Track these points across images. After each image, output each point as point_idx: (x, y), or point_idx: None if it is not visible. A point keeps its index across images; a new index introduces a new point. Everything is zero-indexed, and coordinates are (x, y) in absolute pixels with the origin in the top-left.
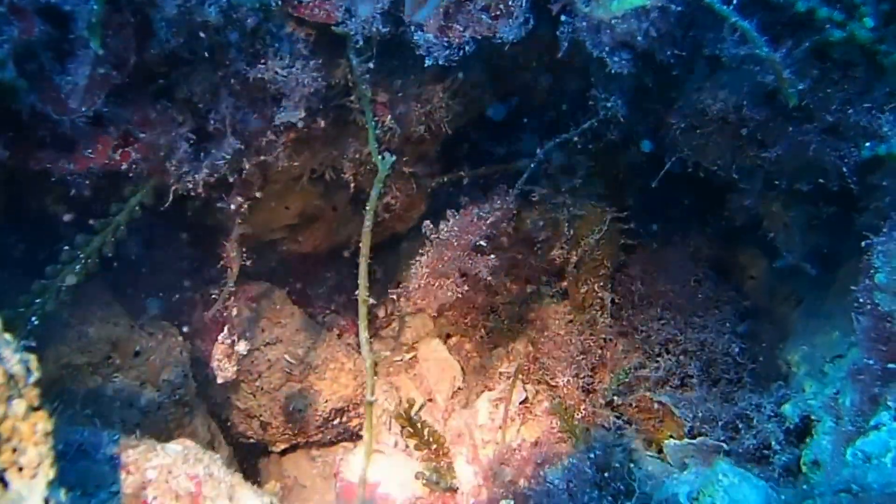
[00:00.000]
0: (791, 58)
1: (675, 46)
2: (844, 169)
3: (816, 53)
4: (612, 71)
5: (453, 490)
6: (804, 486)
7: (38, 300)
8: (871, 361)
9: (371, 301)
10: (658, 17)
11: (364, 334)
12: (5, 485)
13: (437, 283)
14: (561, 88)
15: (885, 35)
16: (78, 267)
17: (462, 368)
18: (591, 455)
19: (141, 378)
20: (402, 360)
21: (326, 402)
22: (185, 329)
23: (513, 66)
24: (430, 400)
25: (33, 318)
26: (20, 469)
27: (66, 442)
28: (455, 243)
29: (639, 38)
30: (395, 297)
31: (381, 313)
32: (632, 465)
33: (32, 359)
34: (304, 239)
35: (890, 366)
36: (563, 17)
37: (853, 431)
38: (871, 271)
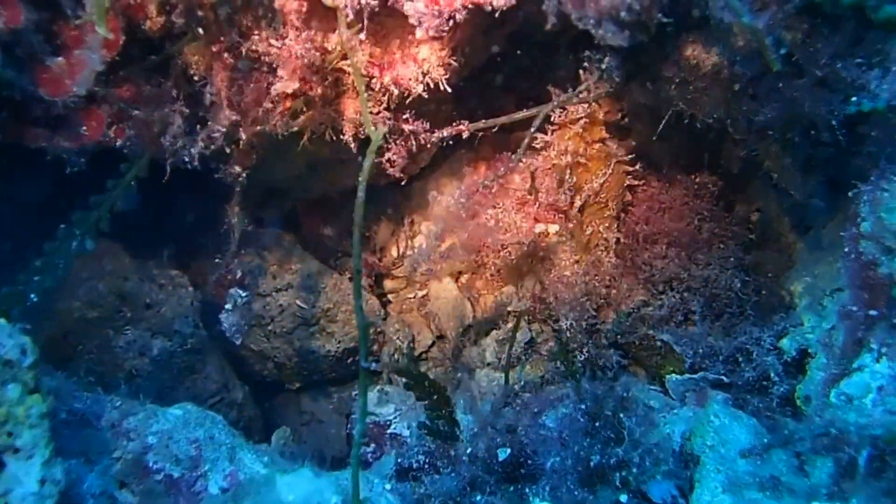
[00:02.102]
0: (779, 15)
1: (663, 12)
2: (834, 122)
3: (807, 7)
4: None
5: (454, 438)
6: (786, 430)
7: (36, 277)
8: (855, 308)
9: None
10: None
11: (358, 301)
12: (2, 466)
13: (447, 253)
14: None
15: None
16: (75, 243)
17: (472, 306)
18: (583, 405)
19: (152, 329)
20: (414, 297)
21: (339, 343)
22: (196, 279)
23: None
24: (440, 337)
25: (32, 296)
26: (16, 451)
27: (70, 410)
28: (463, 215)
29: (622, 11)
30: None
31: (394, 252)
32: (622, 414)
33: (28, 341)
34: (313, 186)
35: (872, 312)
36: None
37: (838, 373)
38: (858, 219)
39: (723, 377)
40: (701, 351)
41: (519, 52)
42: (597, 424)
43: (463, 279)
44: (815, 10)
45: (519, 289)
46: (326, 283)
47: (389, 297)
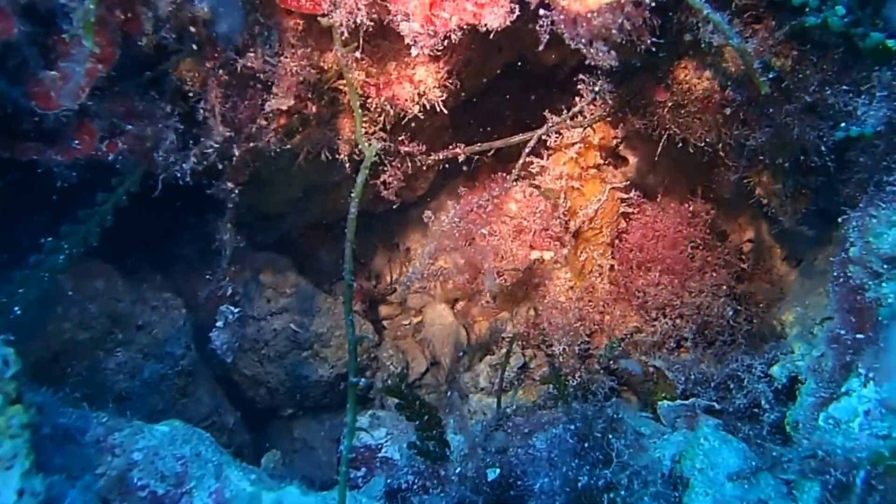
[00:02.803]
0: (769, 41)
1: (653, 35)
2: (823, 147)
3: (796, 35)
4: (593, 63)
5: (444, 459)
6: (774, 453)
7: (21, 290)
8: (843, 332)
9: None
10: (632, 10)
11: (348, 317)
12: None
13: (440, 272)
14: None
15: (860, 18)
16: (62, 257)
17: (467, 332)
18: (573, 426)
19: (144, 351)
20: (409, 324)
21: (332, 368)
22: (189, 300)
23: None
24: (434, 363)
25: (16, 308)
26: None
27: (54, 425)
28: (456, 234)
29: (614, 30)
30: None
31: (389, 278)
32: (611, 436)
33: (11, 352)
34: (309, 210)
35: (860, 336)
36: (541, 11)
37: (827, 397)
38: (847, 244)
39: (714, 404)
40: (693, 377)
41: (517, 83)
42: (586, 445)
43: (458, 306)
44: (803, 38)
45: (514, 315)
46: (321, 307)
47: (384, 323)
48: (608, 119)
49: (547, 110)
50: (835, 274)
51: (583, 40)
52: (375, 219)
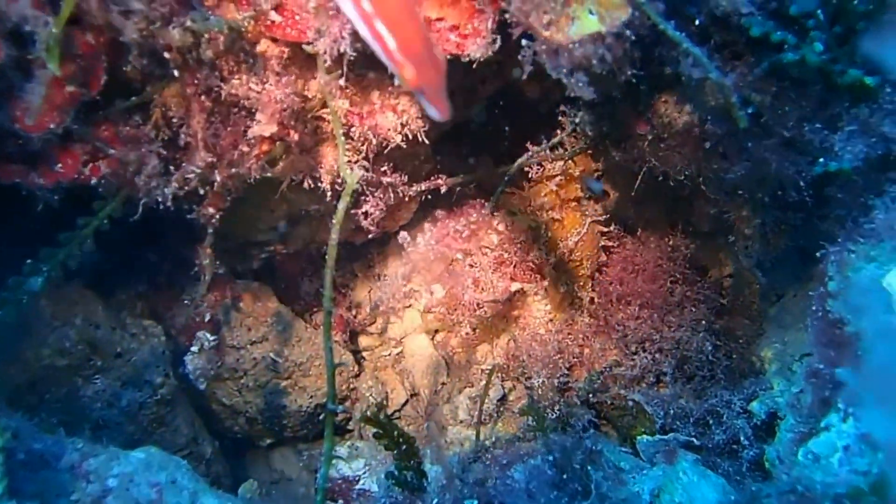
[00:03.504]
0: (749, 77)
1: (634, 67)
2: (801, 182)
3: (775, 72)
4: (572, 94)
5: (422, 490)
6: (753, 488)
7: None
8: (821, 366)
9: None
10: (613, 42)
11: (328, 343)
12: None
13: (411, 293)
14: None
15: (838, 56)
16: (40, 279)
17: (447, 364)
18: (551, 457)
19: (122, 379)
20: (389, 354)
21: (311, 398)
22: (169, 326)
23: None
24: (414, 395)
25: None
26: None
27: (28, 451)
28: (431, 257)
29: (594, 62)
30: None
31: (368, 309)
32: (590, 468)
33: None
34: (291, 239)
35: (839, 370)
36: (523, 41)
37: (806, 432)
38: (825, 279)
39: (693, 439)
40: (672, 412)
41: (501, 116)
42: (564, 477)
43: (438, 337)
44: (782, 74)
45: (493, 347)
46: (301, 336)
47: (364, 354)
48: (589, 152)
49: (529, 143)
50: (813, 308)
51: (564, 71)
52: (357, 249)
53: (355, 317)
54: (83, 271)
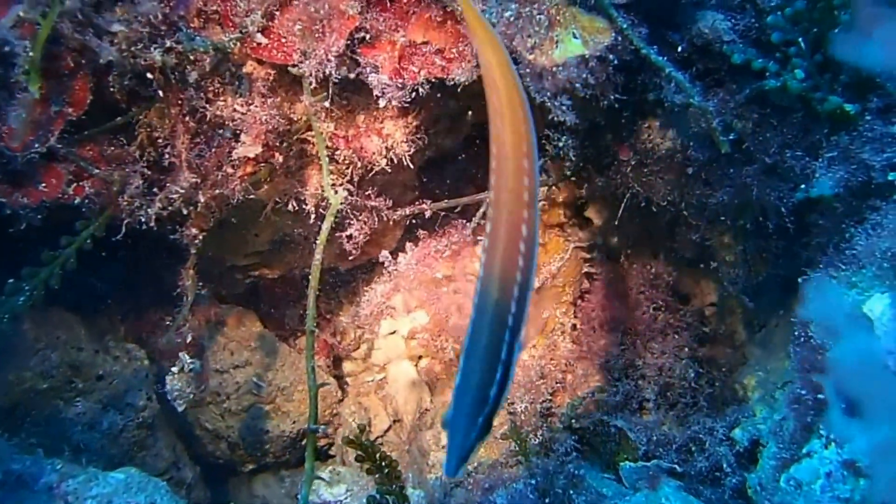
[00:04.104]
0: (731, 103)
1: (617, 91)
2: (783, 208)
3: (757, 99)
4: (556, 119)
5: None
6: None
7: None
8: (804, 392)
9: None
10: (596, 65)
11: (310, 363)
12: None
13: (389, 313)
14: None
15: (819, 83)
16: (22, 299)
17: (430, 390)
18: (533, 482)
19: (103, 402)
20: (372, 380)
21: (294, 423)
22: (152, 349)
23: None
24: (397, 421)
25: None
26: None
27: (6, 471)
28: (412, 276)
29: (578, 85)
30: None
31: (353, 335)
32: (573, 493)
33: None
34: (276, 264)
35: (821, 396)
36: None
37: (788, 458)
38: (807, 304)
39: (676, 466)
40: (655, 439)
41: (486, 146)
42: (547, 501)
43: (422, 363)
44: (764, 101)
45: None
46: (285, 361)
47: (348, 380)
48: (573, 178)
49: None
50: (795, 333)
51: (548, 94)
52: (342, 276)
53: (340, 342)
54: (66, 294)
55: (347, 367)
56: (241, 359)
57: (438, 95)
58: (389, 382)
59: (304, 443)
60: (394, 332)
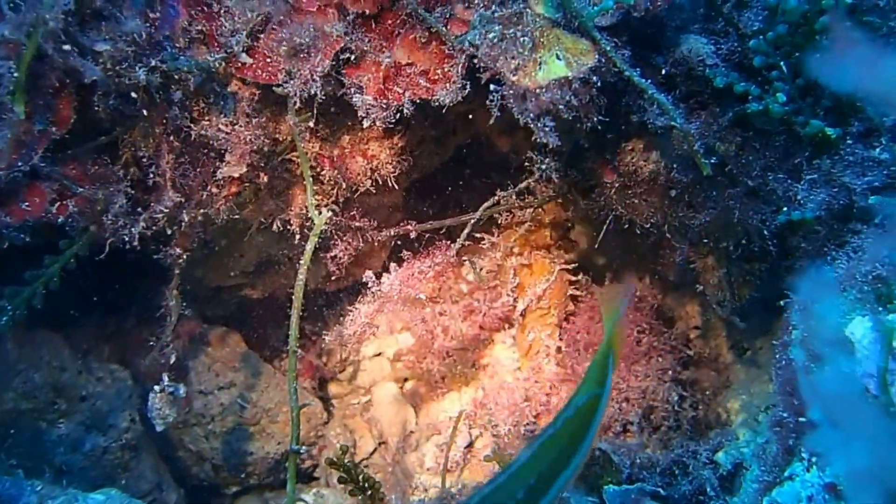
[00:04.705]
0: (714, 126)
1: (600, 113)
2: (765, 231)
3: (740, 122)
4: (539, 140)
5: None
6: None
7: None
8: (786, 414)
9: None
10: (579, 87)
11: (292, 384)
12: None
13: (372, 332)
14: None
15: (801, 107)
16: (4, 318)
17: (415, 412)
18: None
19: (86, 423)
20: (357, 403)
21: (279, 444)
22: (135, 370)
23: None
24: (382, 443)
25: None
26: None
27: None
28: (395, 296)
29: (561, 106)
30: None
31: (338, 356)
32: None
33: None
34: (260, 285)
35: (802, 419)
36: (491, 86)
37: (770, 481)
38: (789, 328)
39: (660, 490)
40: (638, 462)
41: (471, 169)
42: None
43: (407, 385)
44: (746, 125)
45: (461, 395)
46: (269, 382)
47: (333, 402)
48: (558, 200)
49: (498, 190)
50: (777, 356)
51: (531, 115)
52: (328, 297)
53: (325, 364)
54: (49, 315)
55: (333, 389)
56: (225, 380)
57: (423, 116)
58: (375, 404)
59: (288, 465)
60: (379, 354)
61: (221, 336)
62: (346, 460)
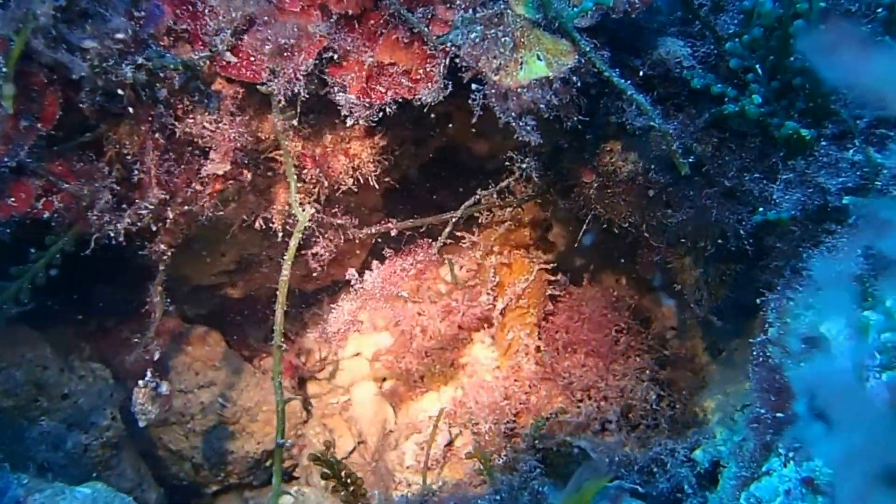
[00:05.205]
0: (691, 128)
1: (580, 113)
2: (741, 231)
3: (716, 123)
4: (520, 138)
5: None
6: None
7: None
8: (763, 411)
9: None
10: (560, 86)
11: (277, 379)
12: None
13: (356, 329)
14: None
15: (776, 109)
16: None
17: (394, 411)
18: (498, 497)
19: (68, 421)
20: (336, 402)
21: (259, 444)
22: (117, 370)
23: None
24: (361, 442)
25: None
26: None
27: None
28: (377, 294)
29: (542, 105)
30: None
31: (317, 356)
32: None
33: None
34: (241, 284)
35: (779, 415)
36: (473, 86)
37: (748, 477)
38: (766, 326)
39: (638, 487)
40: (617, 460)
41: (450, 171)
42: None
43: (386, 385)
44: (723, 126)
45: (440, 394)
46: (249, 381)
47: (312, 401)
48: (538, 200)
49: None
50: (754, 353)
51: (513, 114)
52: (307, 298)
53: (304, 363)
54: (31, 314)
55: (312, 388)
56: (205, 379)
57: (404, 118)
58: (354, 404)
59: (268, 463)
60: (358, 354)
61: (202, 335)
62: (328, 456)
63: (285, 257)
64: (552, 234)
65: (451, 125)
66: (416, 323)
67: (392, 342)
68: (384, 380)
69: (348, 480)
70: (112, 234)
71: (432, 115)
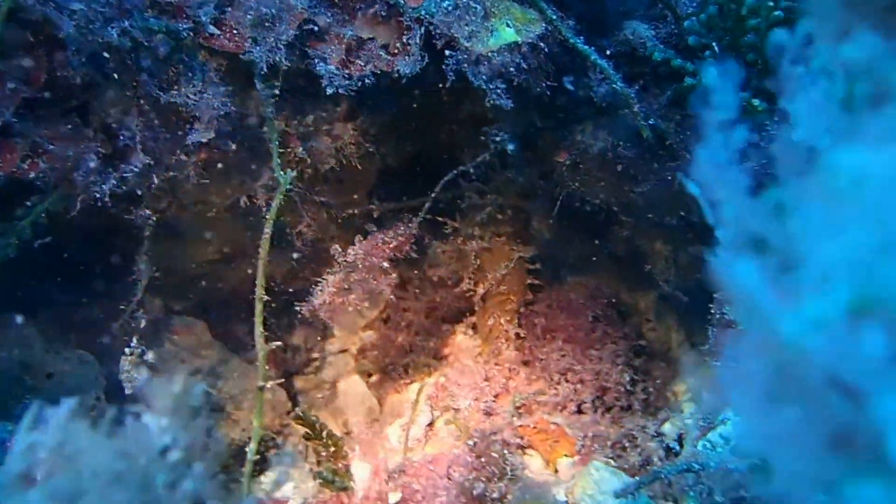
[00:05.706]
0: (655, 105)
1: (548, 79)
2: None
3: (679, 100)
4: (492, 102)
5: (347, 489)
6: (654, 469)
7: None
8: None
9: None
10: (528, 52)
11: (259, 329)
12: None
13: (341, 301)
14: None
15: None
16: None
17: (379, 402)
18: (471, 443)
19: (53, 400)
20: (322, 396)
21: (243, 431)
22: (101, 355)
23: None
24: (347, 433)
25: None
26: None
27: None
28: (360, 265)
29: (512, 69)
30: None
31: (304, 352)
32: (507, 454)
33: None
34: (227, 276)
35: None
36: (447, 52)
37: (706, 427)
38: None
39: (610, 461)
40: (591, 435)
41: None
42: (482, 460)
43: (372, 378)
44: (684, 103)
45: (424, 385)
46: (235, 369)
47: (299, 397)
48: (517, 191)
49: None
50: (712, 312)
51: (484, 77)
52: (292, 296)
53: (292, 358)
54: (16, 303)
55: (299, 383)
56: (191, 368)
57: (385, 97)
58: (340, 395)
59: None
60: (345, 351)
61: (188, 324)
62: (311, 416)
63: (268, 216)
64: (532, 223)
65: (432, 120)
66: (402, 318)
67: (376, 338)
68: (370, 375)
69: (329, 441)
70: (98, 196)
71: (414, 105)
